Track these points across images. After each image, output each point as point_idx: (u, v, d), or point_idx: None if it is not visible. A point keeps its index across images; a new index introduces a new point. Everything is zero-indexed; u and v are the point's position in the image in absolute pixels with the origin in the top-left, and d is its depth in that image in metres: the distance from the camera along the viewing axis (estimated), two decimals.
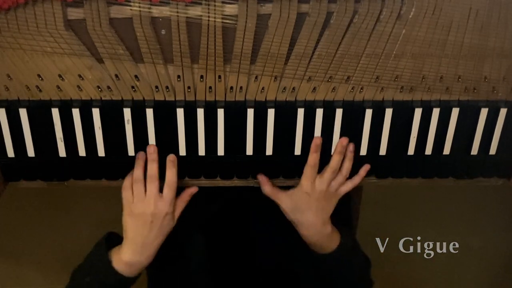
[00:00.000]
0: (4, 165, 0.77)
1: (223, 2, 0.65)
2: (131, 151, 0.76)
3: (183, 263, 0.85)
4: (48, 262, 1.50)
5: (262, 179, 0.78)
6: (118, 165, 0.77)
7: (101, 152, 0.75)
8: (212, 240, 0.87)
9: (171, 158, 0.74)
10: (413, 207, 1.47)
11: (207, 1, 0.64)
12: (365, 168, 0.77)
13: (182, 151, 0.76)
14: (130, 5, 0.65)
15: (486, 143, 0.78)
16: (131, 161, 0.76)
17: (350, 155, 0.76)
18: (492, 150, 0.78)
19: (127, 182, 0.74)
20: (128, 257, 0.73)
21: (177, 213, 0.75)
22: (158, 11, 0.65)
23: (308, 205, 0.75)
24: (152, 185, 0.72)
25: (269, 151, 0.76)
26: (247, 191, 0.81)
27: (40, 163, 0.77)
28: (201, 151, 0.76)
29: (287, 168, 0.79)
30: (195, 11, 0.65)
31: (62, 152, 0.75)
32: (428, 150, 0.78)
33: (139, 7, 0.65)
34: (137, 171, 0.73)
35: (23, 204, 1.40)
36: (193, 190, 0.77)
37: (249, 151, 0.76)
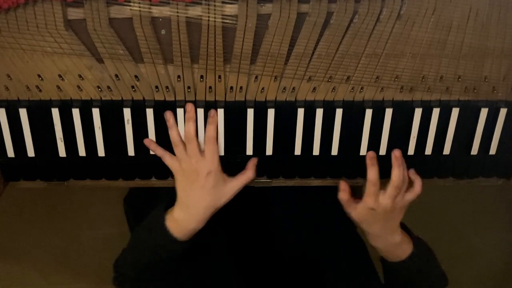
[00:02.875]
0: (4, 165, 0.77)
1: (223, 2, 0.65)
2: (131, 151, 0.76)
3: (205, 255, 0.85)
4: (48, 262, 1.50)
5: (342, 186, 0.75)
6: (118, 165, 0.77)
7: (101, 152, 0.75)
8: (234, 232, 0.87)
9: (211, 114, 0.72)
10: (413, 207, 1.47)
11: (207, 1, 0.64)
12: (413, 172, 0.76)
13: None
14: (130, 5, 0.65)
15: (486, 143, 0.78)
16: (131, 161, 0.76)
17: (404, 165, 0.74)
18: (492, 150, 0.78)
19: (159, 150, 0.74)
20: (177, 214, 0.73)
21: (235, 182, 0.74)
22: (158, 11, 0.65)
23: (374, 219, 0.74)
24: (190, 146, 0.71)
25: (269, 151, 0.76)
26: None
27: (40, 163, 0.77)
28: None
29: (287, 168, 0.79)
30: (195, 11, 0.65)
31: (62, 152, 0.75)
32: (428, 150, 0.78)
33: (139, 7, 0.65)
34: (174, 133, 0.72)
35: (23, 204, 1.40)
36: (255, 160, 0.75)
37: (249, 151, 0.76)
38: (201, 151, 0.72)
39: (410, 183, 0.76)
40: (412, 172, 0.76)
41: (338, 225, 0.89)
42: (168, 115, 0.72)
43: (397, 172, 0.73)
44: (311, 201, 0.91)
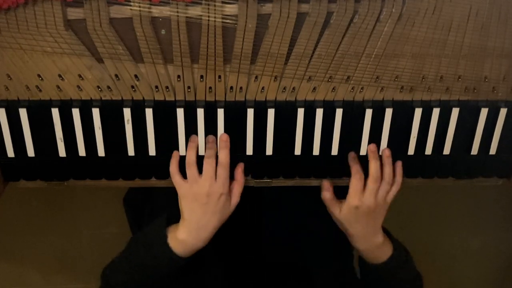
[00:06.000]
0: (4, 165, 0.77)
1: (223, 2, 0.65)
2: (131, 151, 0.76)
3: (192, 259, 0.85)
4: (48, 262, 1.49)
5: (326, 185, 0.77)
6: (118, 165, 0.77)
7: (101, 152, 0.75)
8: (222, 236, 0.87)
9: (223, 138, 0.73)
10: (413, 207, 1.47)
11: (207, 1, 0.64)
12: (399, 164, 0.76)
13: (182, 151, 0.76)
14: (130, 5, 0.65)
15: (486, 143, 0.78)
16: (131, 161, 0.76)
17: (388, 160, 0.74)
18: (492, 150, 0.78)
19: (173, 167, 0.74)
20: (183, 236, 0.73)
21: (236, 199, 0.74)
22: (158, 11, 0.65)
23: (356, 218, 0.74)
24: (209, 167, 0.72)
25: (269, 151, 0.76)
26: (258, 188, 0.80)
27: (40, 163, 0.77)
28: (201, 151, 0.76)
29: (287, 168, 0.79)
30: (195, 11, 0.65)
31: (62, 152, 0.75)
32: (428, 150, 0.78)
33: (139, 7, 0.65)
34: (190, 154, 0.73)
35: (23, 204, 1.40)
36: (241, 166, 0.76)
37: (249, 151, 0.76)
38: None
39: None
40: (398, 166, 0.76)
41: (329, 229, 0.89)
42: (193, 138, 0.74)
43: (374, 164, 0.73)
44: (302, 205, 0.91)
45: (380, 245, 0.76)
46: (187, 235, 0.73)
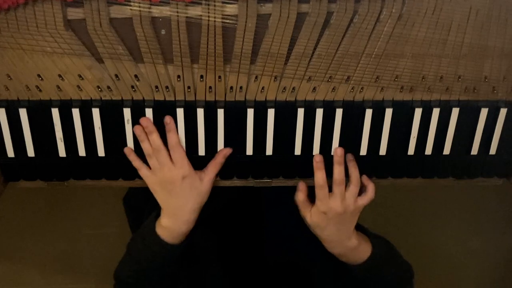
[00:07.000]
0: (4, 165, 0.77)
1: (223, 2, 0.65)
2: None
3: (194, 258, 0.85)
4: (48, 262, 1.50)
5: (301, 186, 0.77)
6: (118, 165, 0.77)
7: (101, 152, 0.75)
8: (223, 235, 0.87)
9: (167, 121, 0.72)
10: (413, 207, 1.47)
11: (207, 1, 0.64)
12: (366, 177, 0.77)
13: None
14: (130, 5, 0.65)
15: (486, 143, 0.78)
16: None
17: (352, 163, 0.75)
18: (492, 150, 0.78)
19: (136, 163, 0.75)
20: (164, 222, 0.75)
21: (209, 176, 0.74)
22: (158, 11, 0.65)
23: (326, 223, 0.74)
24: (160, 154, 0.72)
25: (269, 151, 0.76)
26: (259, 188, 0.80)
27: (40, 163, 0.77)
28: (201, 151, 0.76)
29: (287, 168, 0.79)
30: (195, 11, 0.65)
31: (62, 152, 0.75)
32: (428, 150, 0.78)
33: (139, 7, 0.65)
34: (146, 146, 0.73)
35: (23, 204, 1.40)
36: (227, 151, 0.75)
37: (249, 151, 0.76)
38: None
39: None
40: (364, 177, 0.76)
41: None
42: (138, 130, 0.72)
43: (337, 169, 0.73)
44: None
45: (356, 247, 0.76)
46: (167, 221, 0.74)
